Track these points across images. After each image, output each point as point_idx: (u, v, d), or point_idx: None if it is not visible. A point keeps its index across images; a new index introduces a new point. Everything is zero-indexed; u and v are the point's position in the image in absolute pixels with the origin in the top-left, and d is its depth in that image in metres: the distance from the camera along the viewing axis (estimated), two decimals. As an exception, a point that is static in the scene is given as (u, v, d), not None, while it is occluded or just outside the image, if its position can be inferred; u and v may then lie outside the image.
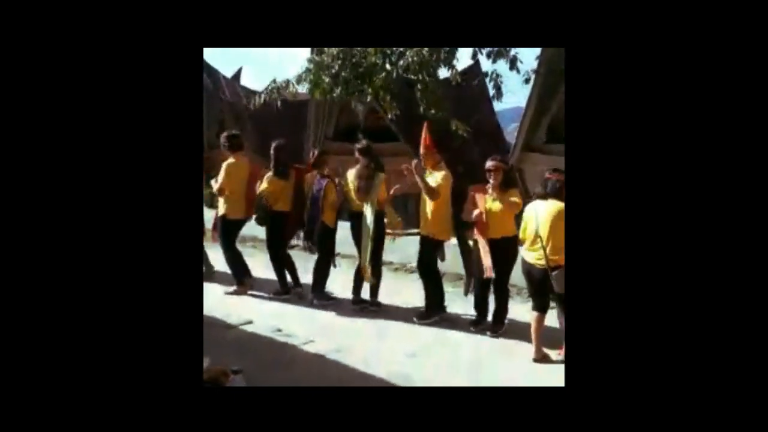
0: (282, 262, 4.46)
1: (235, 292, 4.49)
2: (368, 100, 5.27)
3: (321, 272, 4.27)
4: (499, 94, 4.93)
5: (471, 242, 3.83)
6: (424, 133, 3.89)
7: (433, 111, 5.15)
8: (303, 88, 5.60)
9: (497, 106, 8.05)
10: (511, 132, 8.91)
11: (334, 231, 4.25)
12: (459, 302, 4.21)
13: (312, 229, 4.22)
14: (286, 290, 4.46)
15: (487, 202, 3.60)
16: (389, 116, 5.52)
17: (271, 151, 4.38)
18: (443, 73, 5.30)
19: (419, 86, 4.95)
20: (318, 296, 4.26)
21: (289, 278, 4.50)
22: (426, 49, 4.68)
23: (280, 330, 3.57)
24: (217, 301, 4.26)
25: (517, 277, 4.05)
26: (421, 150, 3.85)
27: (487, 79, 5.01)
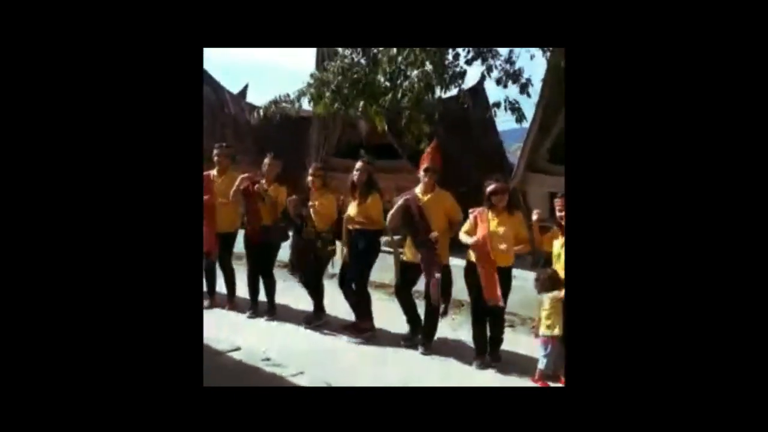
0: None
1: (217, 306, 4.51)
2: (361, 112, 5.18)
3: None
4: (520, 117, 4.85)
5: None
6: (433, 151, 3.74)
7: (411, 134, 5.05)
8: (305, 104, 5.51)
9: (499, 126, 7.94)
10: (513, 152, 8.81)
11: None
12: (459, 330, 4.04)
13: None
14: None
15: (491, 226, 3.42)
16: (381, 129, 5.41)
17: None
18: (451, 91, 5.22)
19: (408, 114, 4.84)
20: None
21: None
22: (430, 68, 4.59)
23: (268, 359, 3.40)
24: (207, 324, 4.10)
25: (517, 305, 3.90)
26: (427, 165, 3.68)
27: (502, 108, 4.92)
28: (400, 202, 3.70)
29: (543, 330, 3.25)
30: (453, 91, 5.20)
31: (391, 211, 3.73)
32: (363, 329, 4.02)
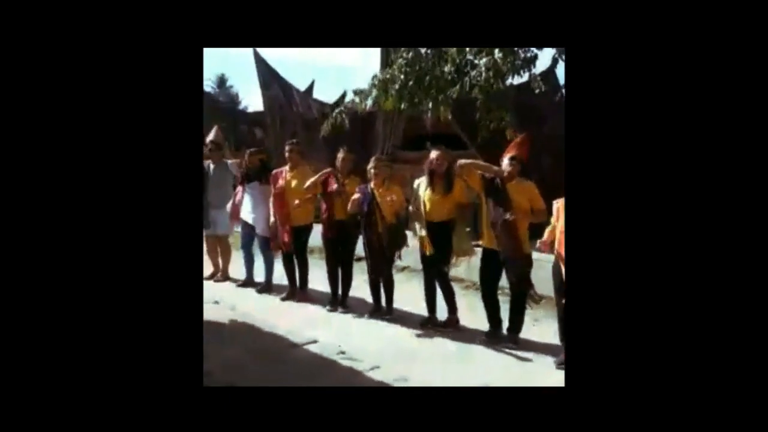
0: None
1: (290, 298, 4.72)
2: (430, 108, 5.07)
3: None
4: None
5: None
6: (522, 142, 3.65)
7: (487, 125, 4.86)
8: (370, 103, 5.49)
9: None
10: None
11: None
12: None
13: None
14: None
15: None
16: (444, 118, 5.27)
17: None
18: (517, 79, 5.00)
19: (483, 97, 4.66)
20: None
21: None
22: (499, 56, 4.42)
23: (343, 352, 3.46)
24: (280, 315, 4.25)
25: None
26: (514, 154, 3.59)
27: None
28: (488, 166, 3.64)
29: None
30: (524, 77, 4.97)
31: (476, 161, 3.71)
32: (447, 324, 3.97)
